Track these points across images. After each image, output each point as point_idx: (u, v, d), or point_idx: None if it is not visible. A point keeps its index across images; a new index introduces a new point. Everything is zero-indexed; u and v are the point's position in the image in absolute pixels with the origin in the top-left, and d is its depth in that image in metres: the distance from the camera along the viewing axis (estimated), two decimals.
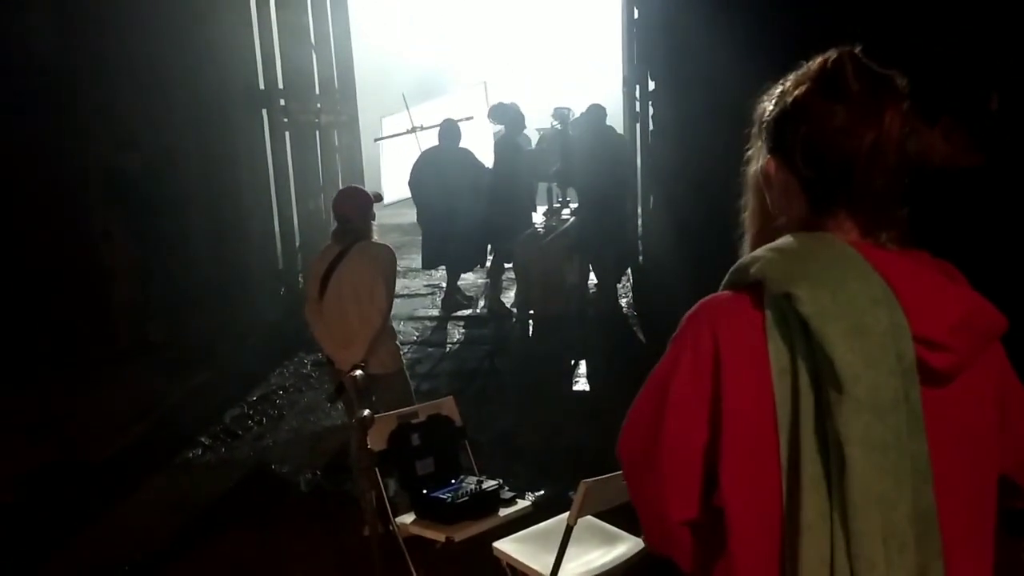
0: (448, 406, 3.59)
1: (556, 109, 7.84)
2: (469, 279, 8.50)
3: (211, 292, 6.56)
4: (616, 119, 7.66)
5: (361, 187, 4.42)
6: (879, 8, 4.24)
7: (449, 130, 7.38)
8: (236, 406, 5.66)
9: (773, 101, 1.18)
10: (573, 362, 6.32)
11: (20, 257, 5.33)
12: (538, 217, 8.00)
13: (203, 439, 5.17)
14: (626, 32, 7.84)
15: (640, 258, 7.64)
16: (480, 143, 8.08)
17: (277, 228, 7.61)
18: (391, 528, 3.20)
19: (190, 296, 6.42)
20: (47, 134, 5.34)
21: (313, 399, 5.78)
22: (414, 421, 3.46)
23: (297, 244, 7.80)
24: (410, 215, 7.62)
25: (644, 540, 1.29)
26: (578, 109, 7.54)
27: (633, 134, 7.64)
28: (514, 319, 7.36)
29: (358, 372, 3.22)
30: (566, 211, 7.97)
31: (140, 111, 5.88)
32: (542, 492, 4.16)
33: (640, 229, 7.62)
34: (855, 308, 1.04)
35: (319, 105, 8.24)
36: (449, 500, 3.19)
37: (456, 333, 7.18)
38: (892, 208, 1.13)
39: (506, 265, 7.64)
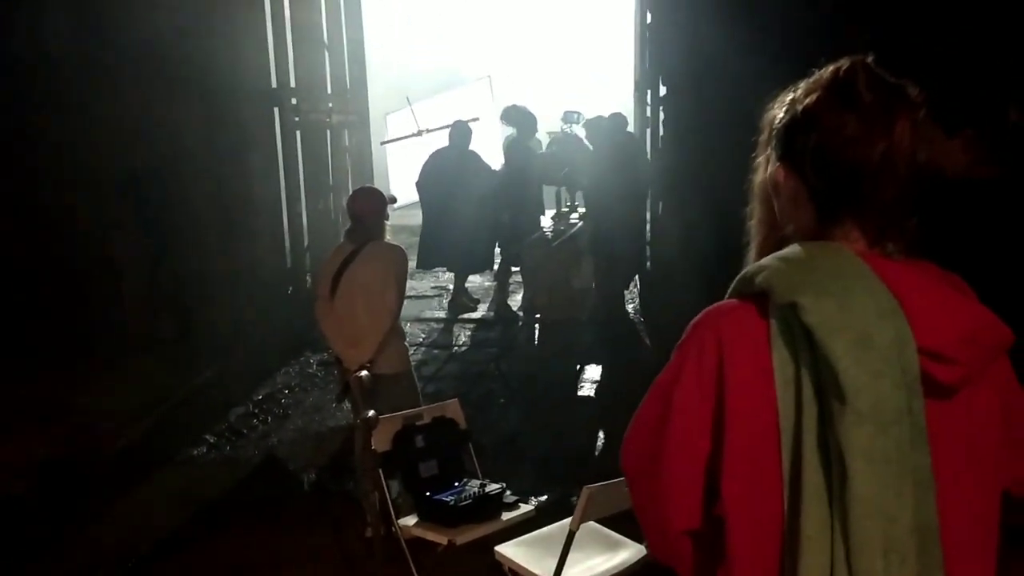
0: (453, 408, 3.59)
1: (566, 112, 7.84)
2: (476, 282, 8.50)
3: (219, 290, 6.58)
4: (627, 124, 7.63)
5: (376, 188, 4.45)
6: (898, 17, 4.21)
7: (460, 132, 7.37)
8: (242, 404, 5.67)
9: (784, 109, 1.17)
10: (579, 367, 6.31)
11: (30, 250, 5.36)
12: (546, 221, 7.99)
13: (208, 436, 5.19)
14: (639, 36, 7.84)
15: (648, 264, 7.62)
16: (487, 144, 8.05)
17: (286, 227, 7.62)
18: (393, 530, 3.20)
19: (198, 293, 6.44)
20: (58, 129, 5.37)
21: (319, 399, 5.79)
22: (419, 423, 3.46)
23: (306, 244, 7.81)
24: (419, 216, 7.62)
25: (646, 548, 1.29)
26: (588, 113, 7.52)
27: (644, 139, 7.63)
28: (520, 323, 7.35)
29: (364, 372, 3.22)
30: (574, 215, 7.95)
31: (152, 107, 5.90)
32: (545, 497, 4.15)
33: (649, 235, 7.60)
34: (860, 319, 1.04)
35: (330, 104, 8.26)
36: (452, 503, 3.19)
37: (463, 336, 7.18)
38: (901, 219, 1.12)
39: (513, 269, 7.63)
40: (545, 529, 3.07)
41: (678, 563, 1.22)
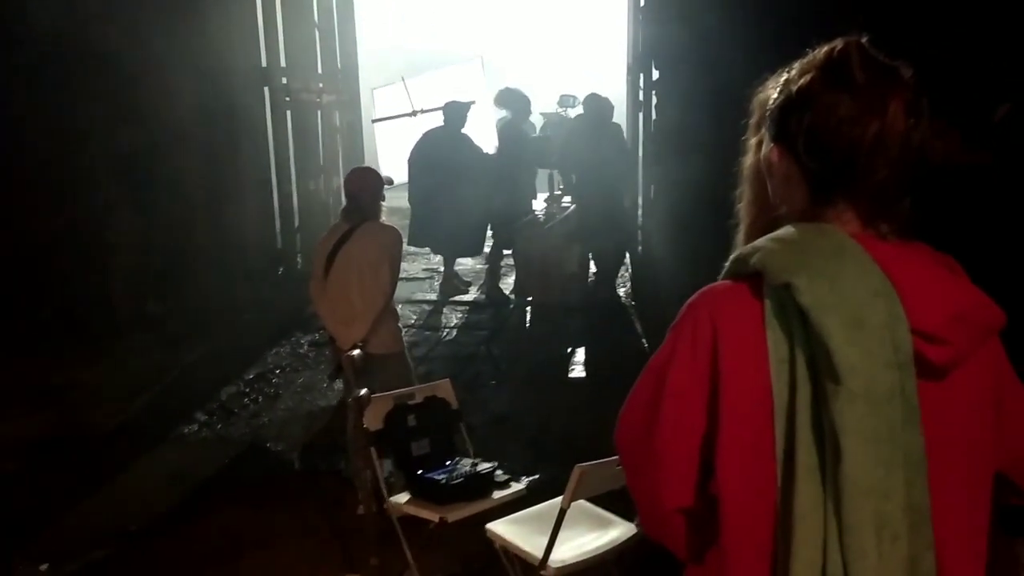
0: (444, 388, 3.60)
1: (562, 96, 7.82)
2: (467, 264, 8.50)
3: (210, 269, 6.56)
4: (619, 107, 7.63)
5: (373, 168, 4.45)
6: (889, 3, 4.21)
7: (454, 112, 7.33)
8: (232, 384, 5.67)
9: (778, 89, 1.17)
10: (570, 349, 6.33)
11: (21, 228, 5.32)
12: (538, 204, 7.98)
13: (199, 415, 5.19)
14: (632, 19, 7.81)
15: (639, 247, 7.64)
16: (479, 126, 8.01)
17: (276, 207, 7.59)
18: (385, 507, 3.22)
19: (189, 272, 6.41)
20: (50, 108, 5.32)
21: (309, 379, 5.79)
22: (411, 402, 3.47)
23: (296, 224, 7.78)
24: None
25: (639, 526, 1.31)
26: (582, 96, 7.51)
27: (636, 123, 7.62)
28: (512, 306, 7.36)
29: (356, 352, 3.23)
30: (566, 199, 7.96)
31: (143, 86, 5.85)
32: (536, 476, 4.18)
33: (640, 219, 7.61)
34: (854, 299, 1.05)
35: (321, 84, 8.20)
36: (444, 481, 3.21)
37: (454, 318, 7.18)
38: (894, 200, 1.13)
39: (505, 252, 7.63)
40: (536, 507, 3.10)
41: (670, 540, 1.23)
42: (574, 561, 2.79)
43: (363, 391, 2.97)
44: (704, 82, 5.03)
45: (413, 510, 3.19)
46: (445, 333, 6.82)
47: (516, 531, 2.97)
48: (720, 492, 1.12)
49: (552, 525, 2.72)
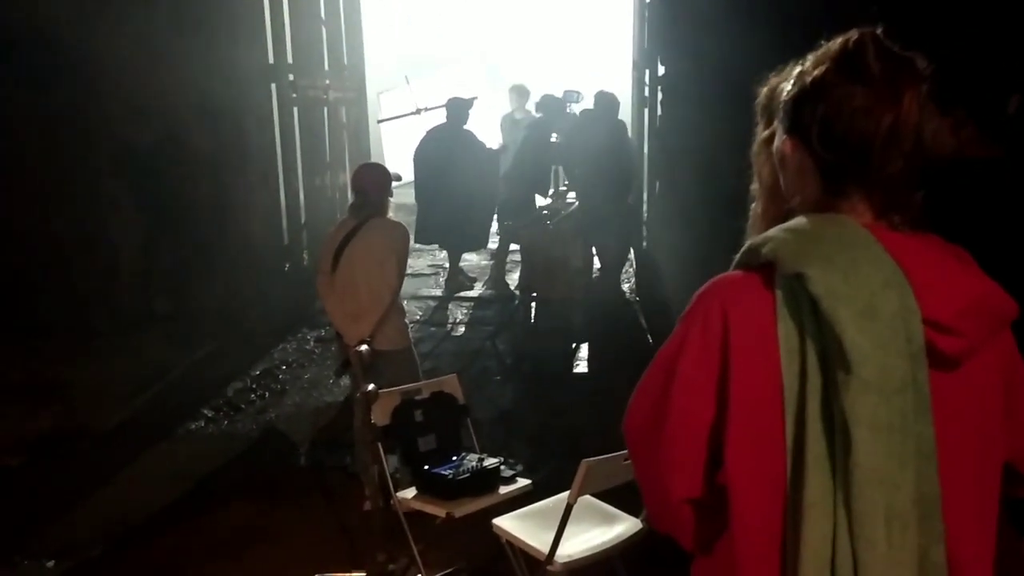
0: (451, 384, 3.60)
1: (566, 92, 7.80)
2: (473, 260, 8.50)
3: (216, 265, 6.57)
4: (625, 103, 7.62)
5: (381, 164, 4.45)
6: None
7: (456, 109, 7.34)
8: (239, 379, 5.68)
9: (792, 81, 1.17)
10: (575, 345, 6.33)
11: (27, 224, 5.34)
12: (542, 200, 7.97)
13: (206, 411, 5.20)
14: (638, 15, 7.80)
15: (644, 243, 7.63)
16: (481, 122, 8.01)
17: (283, 204, 7.60)
18: (392, 502, 3.22)
19: (195, 269, 6.43)
20: (56, 105, 5.32)
21: (316, 374, 5.80)
22: (418, 398, 3.47)
23: (303, 220, 7.79)
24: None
25: (647, 517, 1.30)
26: (587, 92, 7.50)
27: (641, 119, 7.62)
28: (517, 301, 7.36)
29: (363, 347, 3.23)
30: (572, 195, 7.95)
31: (150, 83, 5.85)
32: (542, 471, 4.18)
33: (645, 214, 7.60)
34: (866, 290, 1.04)
35: (327, 81, 8.21)
36: (450, 476, 3.21)
37: (459, 313, 7.19)
38: (906, 191, 1.12)
39: (512, 247, 7.63)
40: (542, 503, 3.10)
41: (678, 532, 1.22)
42: (580, 556, 2.79)
43: (370, 386, 2.97)
44: (711, 77, 5.02)
45: (420, 505, 3.20)
46: (451, 329, 6.82)
47: (522, 526, 2.97)
48: (729, 482, 1.12)
49: (558, 520, 2.72)
